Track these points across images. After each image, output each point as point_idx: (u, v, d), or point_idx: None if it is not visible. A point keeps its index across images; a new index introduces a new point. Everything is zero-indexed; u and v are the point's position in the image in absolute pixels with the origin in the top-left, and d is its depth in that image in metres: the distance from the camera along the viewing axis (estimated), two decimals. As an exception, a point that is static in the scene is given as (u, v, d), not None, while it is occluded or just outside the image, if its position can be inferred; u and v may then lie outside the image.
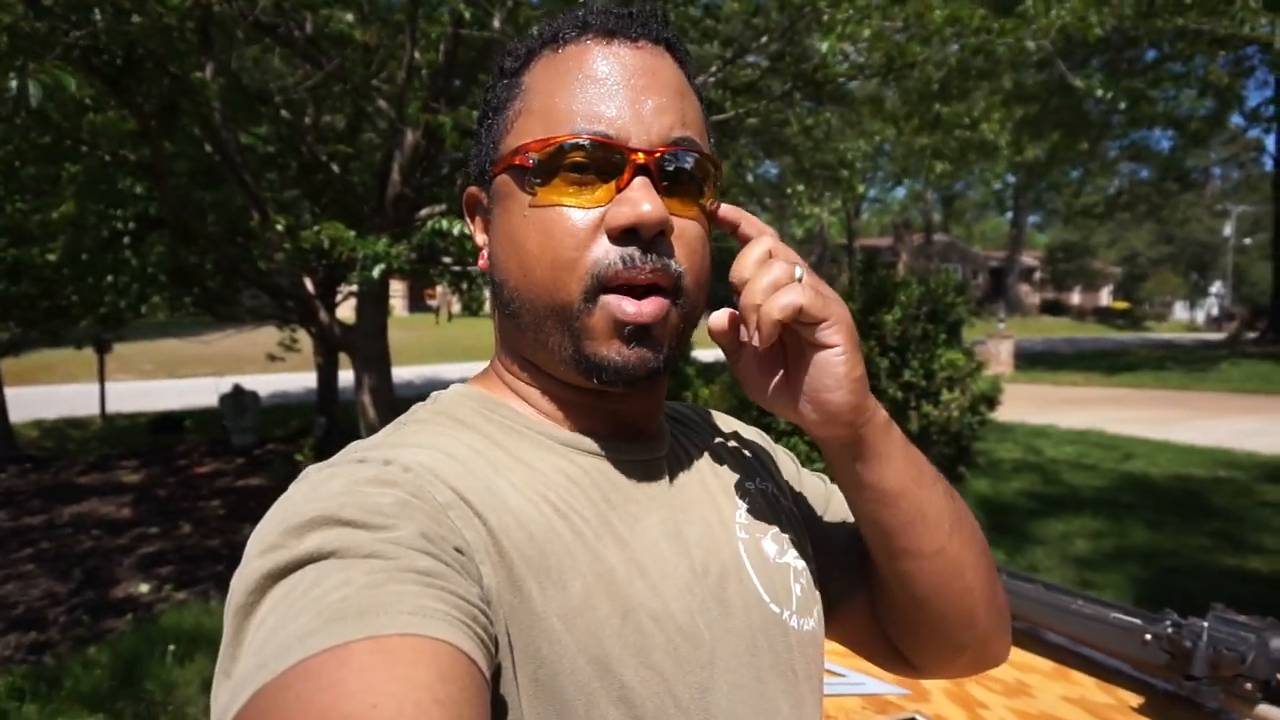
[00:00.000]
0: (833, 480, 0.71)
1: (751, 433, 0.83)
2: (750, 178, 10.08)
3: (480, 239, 0.67)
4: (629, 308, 0.57)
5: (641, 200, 0.56)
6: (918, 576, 0.68)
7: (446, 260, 5.64)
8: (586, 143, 0.57)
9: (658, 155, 0.58)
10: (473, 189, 0.68)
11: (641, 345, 0.58)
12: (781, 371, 0.63)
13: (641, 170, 0.57)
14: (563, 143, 0.57)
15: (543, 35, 0.63)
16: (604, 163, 0.57)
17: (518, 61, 0.64)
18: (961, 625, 0.71)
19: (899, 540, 0.66)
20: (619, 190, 0.57)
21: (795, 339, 0.61)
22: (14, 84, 2.30)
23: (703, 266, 0.62)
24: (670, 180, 0.59)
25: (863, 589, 0.78)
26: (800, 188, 8.77)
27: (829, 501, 0.82)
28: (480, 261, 0.67)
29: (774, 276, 0.58)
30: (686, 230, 0.60)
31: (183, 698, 3.35)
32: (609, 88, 0.59)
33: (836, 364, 0.59)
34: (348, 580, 0.42)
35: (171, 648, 3.63)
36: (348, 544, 0.45)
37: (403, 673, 0.38)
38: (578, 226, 0.58)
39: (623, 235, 0.57)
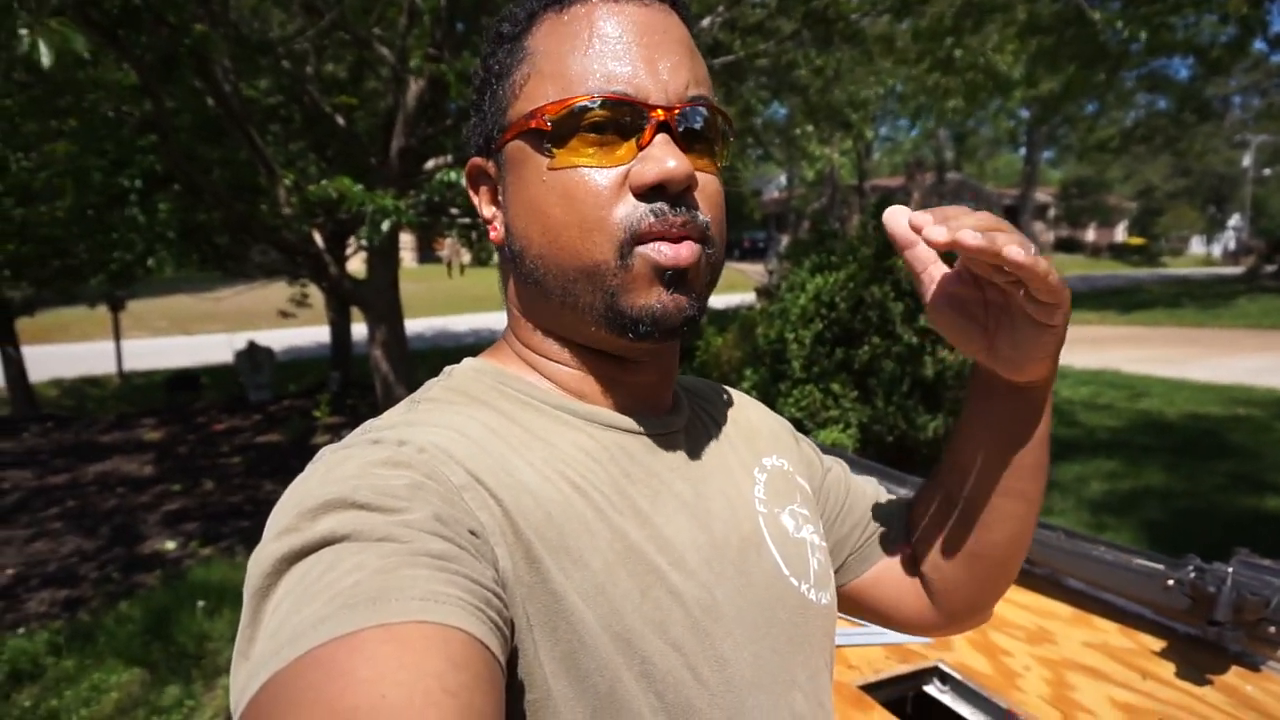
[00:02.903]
0: (976, 406, 0.73)
1: (764, 411, 0.83)
2: (759, 121, 9.90)
3: (488, 211, 0.65)
4: (667, 250, 0.56)
5: (667, 156, 0.56)
6: (1016, 519, 0.74)
7: (454, 212, 5.59)
8: (606, 102, 0.56)
9: (677, 112, 0.58)
10: (476, 160, 0.66)
11: (679, 291, 0.58)
12: (976, 317, 0.65)
13: (663, 127, 0.57)
14: (581, 103, 0.56)
15: None
16: (623, 122, 0.57)
17: (517, 26, 0.62)
18: (1013, 574, 0.79)
19: (1022, 483, 0.72)
20: (640, 148, 0.57)
21: (1003, 299, 0.62)
22: (25, 42, 2.24)
23: (722, 219, 0.62)
24: (688, 137, 0.58)
25: (881, 559, 0.82)
26: (809, 129, 8.62)
27: (840, 480, 0.84)
28: (491, 234, 0.65)
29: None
30: (707, 184, 0.60)
31: (214, 650, 3.44)
32: (622, 46, 0.58)
33: (1051, 343, 0.63)
34: (361, 565, 0.42)
35: (201, 602, 3.72)
36: (361, 527, 0.45)
37: (413, 661, 0.38)
38: (601, 186, 0.57)
39: (649, 192, 0.56)
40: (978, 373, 0.71)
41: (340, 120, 5.21)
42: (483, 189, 0.66)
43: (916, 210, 0.57)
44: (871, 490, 0.86)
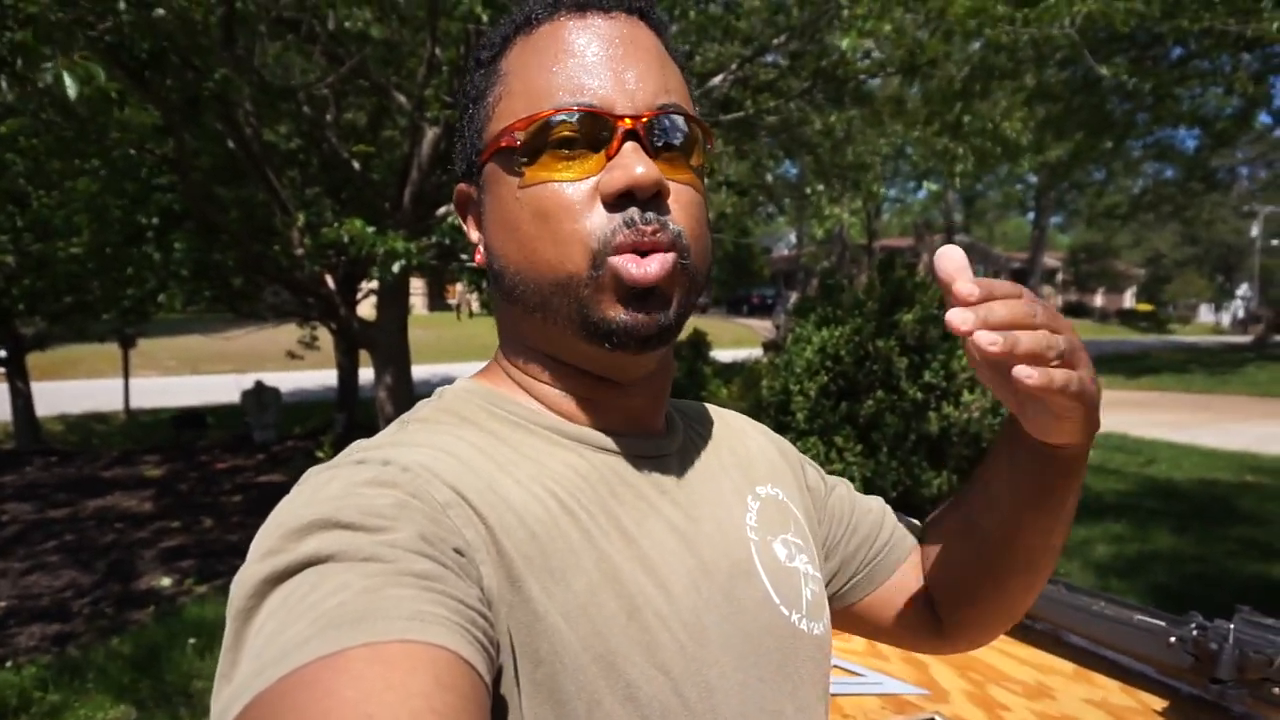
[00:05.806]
0: (1014, 462, 0.70)
1: (767, 436, 0.81)
2: (770, 178, 10.05)
3: (475, 235, 0.66)
4: (634, 269, 0.55)
5: (634, 163, 0.55)
6: (1041, 563, 0.74)
7: (464, 257, 5.66)
8: (572, 115, 0.56)
9: (645, 120, 0.57)
10: (462, 186, 0.66)
11: (648, 306, 0.57)
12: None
13: (630, 136, 0.57)
14: (548, 118, 0.56)
15: (515, 20, 0.62)
16: (591, 133, 0.56)
17: (493, 50, 0.63)
18: (1023, 604, 0.79)
19: (1050, 537, 0.72)
20: (609, 158, 0.56)
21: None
22: (49, 76, 2.31)
23: (701, 229, 0.61)
24: (660, 145, 0.58)
25: (889, 578, 0.81)
26: (820, 188, 8.73)
27: (845, 499, 0.83)
28: (476, 257, 0.65)
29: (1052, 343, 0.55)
30: (681, 193, 0.59)
31: (203, 688, 3.38)
32: (589, 60, 0.58)
33: (1078, 421, 0.61)
34: (345, 585, 0.42)
35: (192, 640, 3.67)
36: (346, 547, 0.44)
37: (399, 681, 0.38)
38: (572, 199, 0.57)
39: (618, 200, 0.56)
40: (1011, 417, 0.68)
41: (357, 166, 5.31)
42: (470, 215, 0.67)
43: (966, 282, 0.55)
44: (878, 508, 0.85)
